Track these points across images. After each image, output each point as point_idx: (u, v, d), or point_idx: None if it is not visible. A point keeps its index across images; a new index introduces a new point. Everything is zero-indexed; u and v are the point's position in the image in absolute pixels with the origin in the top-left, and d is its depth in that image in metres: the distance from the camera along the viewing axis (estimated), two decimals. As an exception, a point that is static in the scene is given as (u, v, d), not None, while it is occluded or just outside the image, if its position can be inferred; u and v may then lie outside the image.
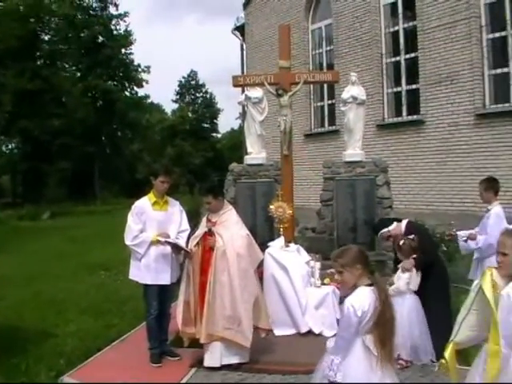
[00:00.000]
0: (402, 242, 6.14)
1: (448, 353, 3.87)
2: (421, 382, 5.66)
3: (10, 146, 46.63)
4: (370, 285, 3.87)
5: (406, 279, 6.06)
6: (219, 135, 65.07)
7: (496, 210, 6.80)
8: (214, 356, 6.17)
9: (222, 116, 69.47)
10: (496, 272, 3.73)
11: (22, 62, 36.53)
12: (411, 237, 6.12)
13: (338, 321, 6.78)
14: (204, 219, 6.62)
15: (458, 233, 7.06)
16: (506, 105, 13.39)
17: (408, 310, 6.00)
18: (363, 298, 3.79)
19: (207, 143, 58.82)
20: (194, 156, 54.86)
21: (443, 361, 3.89)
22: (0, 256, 14.43)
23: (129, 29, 46.45)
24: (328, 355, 3.94)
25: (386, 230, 6.70)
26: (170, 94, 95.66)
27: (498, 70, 13.75)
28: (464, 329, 3.78)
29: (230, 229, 6.30)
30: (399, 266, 6.23)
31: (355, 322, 3.76)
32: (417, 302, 6.11)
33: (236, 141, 48.57)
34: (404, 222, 6.63)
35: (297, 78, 8.93)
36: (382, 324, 3.77)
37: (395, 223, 6.70)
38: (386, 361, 3.77)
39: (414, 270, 6.07)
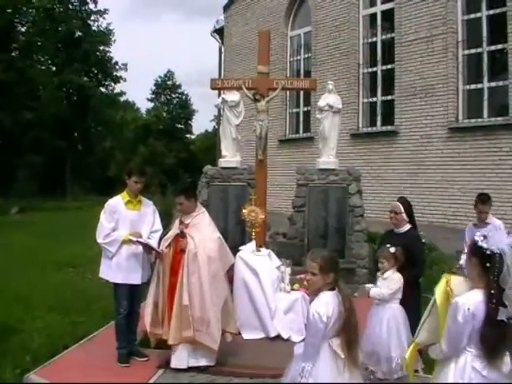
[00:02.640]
0: (394, 250, 6.04)
1: (409, 352, 4.12)
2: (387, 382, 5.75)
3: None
4: (331, 289, 3.96)
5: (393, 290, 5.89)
6: (193, 136, 64.82)
7: (498, 222, 7.06)
8: (181, 357, 6.18)
9: (196, 117, 69.22)
10: (459, 279, 3.88)
11: (-4, 52, 36.01)
12: (396, 249, 6.01)
13: (306, 326, 6.82)
14: (177, 221, 6.62)
15: (461, 263, 6.96)
16: (479, 120, 13.62)
17: (393, 319, 5.84)
18: (327, 304, 3.89)
19: (181, 144, 58.53)
20: (166, 156, 54.60)
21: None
22: (-34, 249, 14.20)
23: (110, 27, 46.18)
24: (298, 362, 4.02)
25: (401, 208, 6.52)
26: (145, 93, 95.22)
27: (472, 86, 13.98)
28: (423, 330, 4.00)
29: (202, 231, 6.31)
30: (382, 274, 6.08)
31: (322, 328, 3.85)
32: (401, 310, 5.94)
33: (210, 143, 48.46)
34: (409, 226, 6.52)
35: (275, 84, 8.96)
36: (348, 329, 3.89)
37: (405, 217, 6.53)
38: (353, 364, 3.87)
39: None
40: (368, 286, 6.23)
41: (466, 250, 6.29)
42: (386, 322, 5.83)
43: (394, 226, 6.59)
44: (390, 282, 5.87)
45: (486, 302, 3.54)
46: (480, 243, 3.65)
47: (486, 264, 3.60)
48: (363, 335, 5.56)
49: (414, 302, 6.03)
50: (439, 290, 3.85)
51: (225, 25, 22.70)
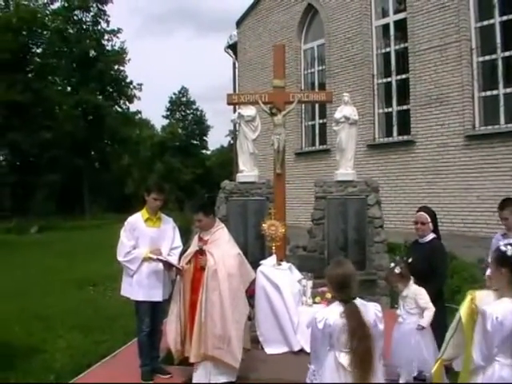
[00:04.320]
0: (398, 270, 5.91)
1: (436, 368, 4.14)
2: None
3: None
4: (343, 301, 3.99)
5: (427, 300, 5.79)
6: (209, 152, 65.11)
7: None
8: (202, 375, 6.11)
9: (211, 133, 69.41)
10: (483, 294, 3.83)
11: (13, 74, 36.46)
12: (401, 268, 5.93)
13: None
14: (196, 237, 6.59)
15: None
16: (496, 127, 13.51)
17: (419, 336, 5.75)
18: (329, 312, 3.96)
19: (196, 160, 58.80)
20: (183, 172, 54.82)
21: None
22: (-14, 270, 14.32)
23: (124, 47, 46.67)
24: None
25: (428, 218, 6.43)
26: (159, 110, 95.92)
27: (488, 93, 13.89)
28: (450, 347, 3.96)
29: (222, 247, 6.27)
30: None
31: (318, 334, 3.96)
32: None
33: (225, 158, 48.67)
34: (432, 235, 6.45)
35: (291, 98, 8.93)
36: (354, 346, 3.84)
37: (431, 226, 6.46)
38: (362, 380, 3.83)
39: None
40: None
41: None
42: (413, 339, 5.74)
43: (418, 237, 6.53)
44: (418, 296, 5.77)
45: None
46: (509, 253, 3.59)
47: None
48: (389, 352, 5.52)
49: (439, 312, 5.94)
50: (464, 308, 3.83)
51: (238, 40, 22.79)
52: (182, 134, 60.94)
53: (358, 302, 4.02)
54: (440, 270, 6.27)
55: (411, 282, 5.88)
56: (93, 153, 46.69)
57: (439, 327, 5.79)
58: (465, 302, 3.85)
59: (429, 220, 6.40)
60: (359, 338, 3.83)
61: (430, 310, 5.72)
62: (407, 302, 5.82)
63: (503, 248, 3.65)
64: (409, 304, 5.80)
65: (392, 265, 6.08)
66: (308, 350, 7.12)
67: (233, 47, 23.26)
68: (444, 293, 6.57)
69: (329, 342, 3.94)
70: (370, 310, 4.03)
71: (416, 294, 5.77)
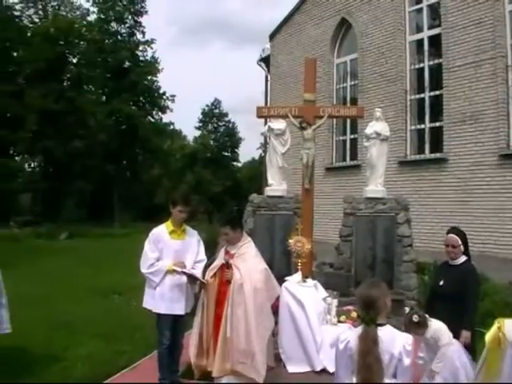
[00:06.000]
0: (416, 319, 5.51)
1: None
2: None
3: (32, 165, 46.99)
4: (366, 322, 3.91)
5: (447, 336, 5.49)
6: (239, 164, 65.32)
7: None
8: (227, 386, 6.05)
9: (243, 145, 69.57)
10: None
11: (48, 83, 37.07)
12: (419, 316, 5.55)
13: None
14: (222, 251, 6.53)
15: None
16: (531, 146, 13.27)
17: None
18: (353, 335, 3.88)
19: (227, 172, 59.04)
20: (213, 184, 54.99)
21: None
22: (14, 274, 14.33)
23: (156, 56, 47.25)
24: None
25: (459, 241, 6.25)
26: (191, 120, 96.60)
27: (524, 111, 13.65)
28: (481, 374, 3.84)
29: (248, 262, 6.20)
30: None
31: (338, 354, 3.93)
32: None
33: (256, 171, 48.70)
34: (464, 258, 6.26)
35: (321, 112, 8.82)
36: (358, 370, 3.76)
37: (463, 248, 6.29)
38: None
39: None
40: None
41: None
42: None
43: (450, 259, 6.36)
44: (440, 336, 5.46)
45: None
46: None
47: None
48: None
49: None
50: (490, 336, 3.72)
51: (271, 53, 22.81)
52: (214, 145, 61.28)
53: (388, 329, 3.88)
54: (473, 295, 6.08)
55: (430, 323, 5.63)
56: (124, 162, 47.13)
57: (468, 352, 5.63)
58: (491, 330, 3.74)
59: (460, 242, 6.23)
60: (363, 365, 3.73)
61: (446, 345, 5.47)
62: (430, 341, 5.56)
63: None
64: (432, 344, 5.54)
65: (407, 310, 5.82)
66: (330, 369, 7.05)
67: (265, 60, 23.30)
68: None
69: (351, 366, 3.82)
70: (398, 341, 3.83)
71: (438, 335, 5.50)
